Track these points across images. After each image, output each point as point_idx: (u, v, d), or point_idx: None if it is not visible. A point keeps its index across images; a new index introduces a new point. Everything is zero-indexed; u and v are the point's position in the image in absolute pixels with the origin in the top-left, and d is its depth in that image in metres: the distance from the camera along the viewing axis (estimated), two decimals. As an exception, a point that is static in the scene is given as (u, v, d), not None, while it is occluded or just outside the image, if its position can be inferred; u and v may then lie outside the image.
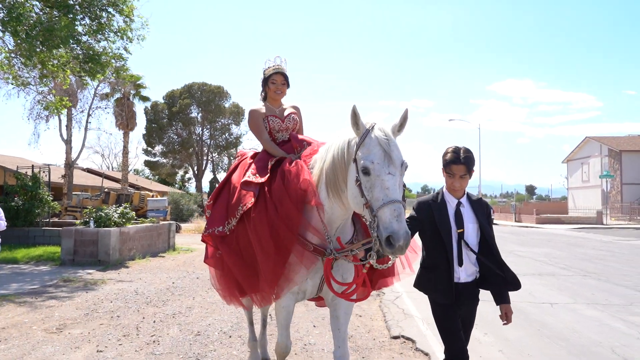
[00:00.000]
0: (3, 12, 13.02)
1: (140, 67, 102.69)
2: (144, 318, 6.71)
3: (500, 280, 3.17)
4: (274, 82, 4.02)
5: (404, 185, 2.91)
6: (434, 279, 3.22)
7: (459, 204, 3.21)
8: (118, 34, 15.50)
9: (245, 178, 3.71)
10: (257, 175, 3.66)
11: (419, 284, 3.38)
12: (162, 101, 53.21)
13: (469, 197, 3.28)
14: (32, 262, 11.99)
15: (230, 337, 5.81)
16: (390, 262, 2.94)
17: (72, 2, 14.54)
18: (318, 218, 3.20)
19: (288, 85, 4.11)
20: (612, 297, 8.31)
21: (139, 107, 40.83)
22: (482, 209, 3.26)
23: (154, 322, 6.51)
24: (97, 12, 15.03)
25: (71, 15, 14.16)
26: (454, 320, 3.17)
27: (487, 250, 3.18)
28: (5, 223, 9.46)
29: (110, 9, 15.29)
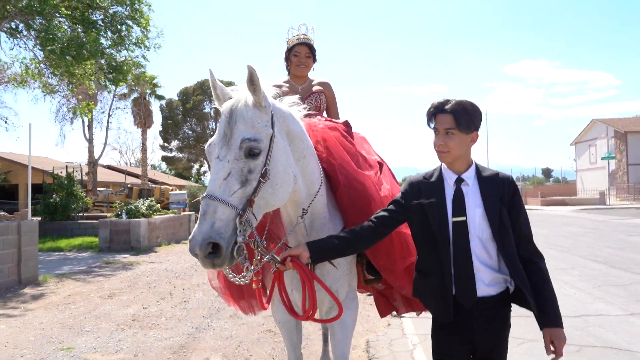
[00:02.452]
0: (35, 32, 14.81)
1: (154, 66, 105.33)
2: (175, 287, 8.48)
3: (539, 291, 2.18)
4: (297, 55, 3.38)
5: (264, 174, 2.07)
6: (427, 288, 2.35)
7: (459, 180, 2.26)
8: (137, 44, 17.33)
9: None
10: None
11: (416, 291, 2.47)
12: (177, 98, 55.25)
13: (479, 171, 2.30)
14: (74, 250, 13.90)
15: (242, 297, 7.52)
16: (247, 275, 2.15)
17: (95, 18, 16.32)
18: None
19: (314, 59, 3.45)
20: (555, 262, 9.84)
21: (155, 105, 42.91)
22: (499, 188, 2.25)
23: (183, 289, 8.27)
24: (118, 26, 16.78)
25: (95, 30, 15.94)
26: (450, 349, 2.27)
27: (501, 246, 2.19)
28: None
29: (129, 22, 17.04)
